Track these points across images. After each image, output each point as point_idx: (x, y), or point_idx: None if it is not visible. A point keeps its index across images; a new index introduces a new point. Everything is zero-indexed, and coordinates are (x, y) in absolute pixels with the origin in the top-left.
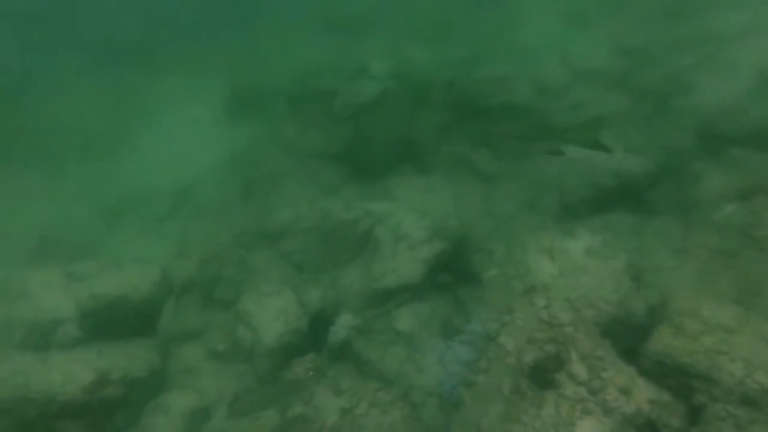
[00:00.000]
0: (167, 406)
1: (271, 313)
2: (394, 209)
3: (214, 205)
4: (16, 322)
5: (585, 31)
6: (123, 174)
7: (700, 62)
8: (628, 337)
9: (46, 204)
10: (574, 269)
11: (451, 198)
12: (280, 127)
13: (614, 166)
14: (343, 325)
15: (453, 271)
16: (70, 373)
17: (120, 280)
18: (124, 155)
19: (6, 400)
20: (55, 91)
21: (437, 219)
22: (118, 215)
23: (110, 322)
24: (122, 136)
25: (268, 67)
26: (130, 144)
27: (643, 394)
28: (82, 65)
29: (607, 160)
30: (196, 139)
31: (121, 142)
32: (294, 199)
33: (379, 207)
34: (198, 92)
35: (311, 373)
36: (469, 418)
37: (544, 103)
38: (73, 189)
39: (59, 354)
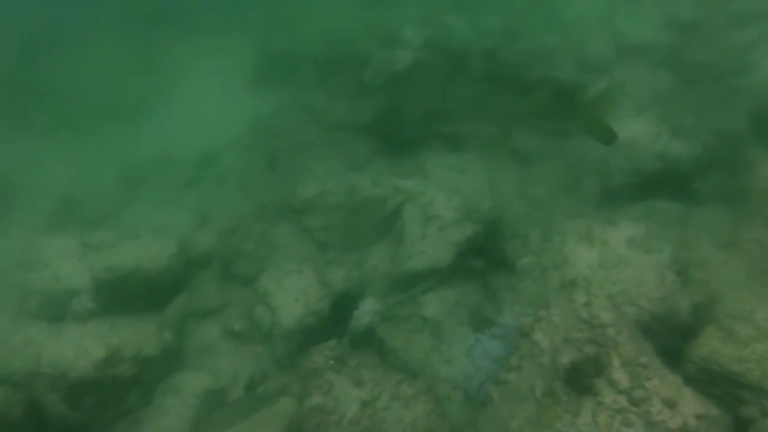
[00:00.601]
0: (180, 387)
1: (292, 293)
2: (424, 187)
3: (237, 174)
4: (32, 289)
5: (634, 2)
6: (146, 138)
7: (759, 39)
8: (671, 338)
9: (67, 167)
10: (614, 262)
11: (485, 177)
12: (307, 96)
13: (659, 150)
14: (366, 310)
15: (485, 257)
16: (82, 347)
17: (136, 252)
18: (147, 119)
19: (17, 373)
20: (80, 52)
21: (470, 199)
22: (139, 181)
23: (125, 295)
24: (147, 99)
25: (298, 32)
26: (155, 107)
27: (690, 408)
28: (109, 26)
29: (651, 143)
30: (222, 105)
31: (145, 105)
32: (320, 172)
33: (409, 184)
34: (225, 56)
35: (331, 361)
36: (497, 418)
37: (584, 79)
38: (94, 152)
39: (72, 326)
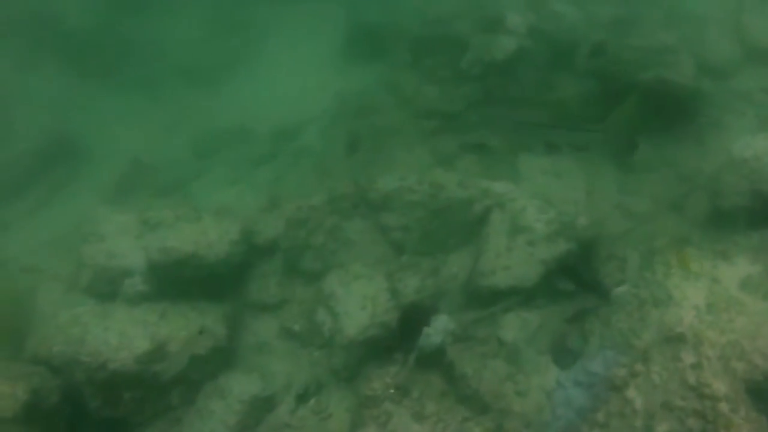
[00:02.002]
0: (228, 389)
1: (358, 299)
2: (516, 193)
3: (314, 155)
4: (86, 262)
5: None
6: (224, 106)
7: None
8: None
9: (141, 130)
10: (725, 305)
11: (583, 186)
12: (398, 76)
13: None
14: (438, 328)
15: (575, 278)
16: (126, 336)
17: (194, 236)
18: (227, 85)
19: (57, 357)
20: (165, 13)
21: (564, 212)
22: (212, 151)
23: (179, 280)
24: (228, 65)
25: (393, 5)
26: (235, 74)
27: None
28: None
29: None
30: (305, 78)
31: (226, 72)
32: (403, 162)
33: (500, 188)
34: (313, 25)
35: (392, 390)
36: None
37: (704, 83)
38: (170, 116)
39: (121, 309)
